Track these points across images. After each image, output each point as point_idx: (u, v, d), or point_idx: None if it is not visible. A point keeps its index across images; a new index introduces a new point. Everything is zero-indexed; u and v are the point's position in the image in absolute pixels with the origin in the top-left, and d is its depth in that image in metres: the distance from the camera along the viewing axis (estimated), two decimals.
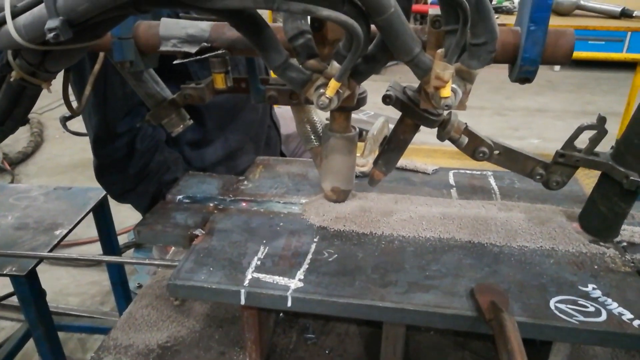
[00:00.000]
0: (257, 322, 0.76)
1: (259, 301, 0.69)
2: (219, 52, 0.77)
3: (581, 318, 0.62)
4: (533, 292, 0.67)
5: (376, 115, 0.81)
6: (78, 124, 1.10)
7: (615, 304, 0.65)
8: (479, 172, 1.03)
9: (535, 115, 4.70)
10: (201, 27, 0.76)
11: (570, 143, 0.79)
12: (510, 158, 0.83)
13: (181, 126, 0.91)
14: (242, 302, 0.69)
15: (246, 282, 0.69)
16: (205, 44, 0.76)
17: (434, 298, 0.66)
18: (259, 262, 0.74)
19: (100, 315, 2.19)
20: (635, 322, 0.62)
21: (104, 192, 1.65)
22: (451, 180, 1.00)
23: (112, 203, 1.62)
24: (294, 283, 0.69)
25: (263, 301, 0.69)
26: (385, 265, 0.73)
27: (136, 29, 0.78)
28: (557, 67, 6.35)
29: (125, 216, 2.92)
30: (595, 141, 0.77)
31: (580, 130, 0.76)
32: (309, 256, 0.75)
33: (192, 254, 0.76)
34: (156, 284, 1.01)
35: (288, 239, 0.80)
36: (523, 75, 0.68)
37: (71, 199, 1.48)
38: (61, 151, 3.84)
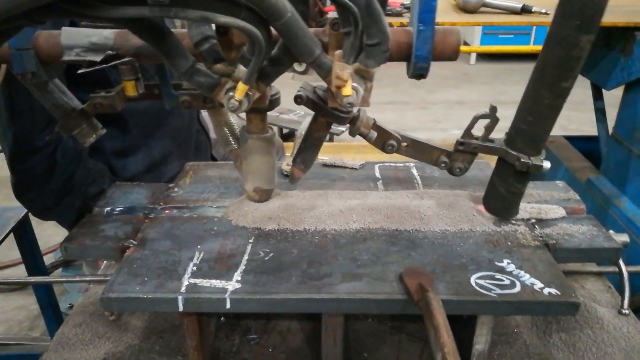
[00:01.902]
0: (198, 329, 0.76)
1: (197, 306, 0.69)
2: (125, 59, 0.76)
3: (499, 291, 0.68)
4: (455, 272, 0.72)
5: (306, 115, 0.84)
6: None
7: (527, 275, 0.71)
8: (402, 164, 1.09)
9: (455, 107, 4.96)
10: (105, 35, 0.75)
11: (468, 132, 0.85)
12: (417, 149, 0.89)
13: (93, 136, 0.88)
14: (180, 308, 0.69)
15: (183, 289, 0.69)
16: (110, 52, 0.75)
17: (366, 286, 0.70)
18: (194, 268, 0.74)
19: (29, 342, 2.07)
20: (545, 290, 0.68)
21: (25, 211, 1.56)
22: (377, 174, 1.05)
23: (35, 221, 1.53)
24: (232, 285, 0.70)
25: (202, 306, 0.69)
26: (320, 259, 0.76)
27: (36, 39, 0.75)
28: (472, 61, 6.73)
29: (50, 234, 2.77)
30: (489, 129, 0.83)
31: (475, 120, 0.83)
32: (245, 257, 0.76)
33: (124, 266, 0.75)
34: (88, 302, 0.98)
35: (223, 242, 0.81)
36: (418, 72, 0.73)
37: None
38: None
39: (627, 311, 0.90)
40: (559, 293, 0.68)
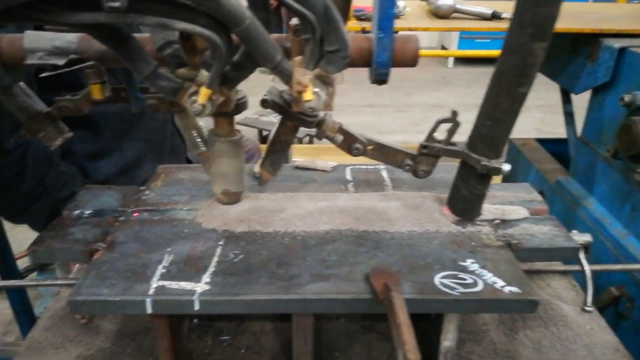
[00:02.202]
0: (168, 331, 0.77)
1: (166, 308, 0.70)
2: (89, 63, 0.76)
3: (461, 289, 0.70)
4: (420, 271, 0.74)
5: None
6: None
7: (490, 274, 0.73)
8: (372, 167, 1.10)
9: (434, 110, 5.03)
10: (68, 38, 0.75)
11: (430, 136, 0.87)
12: (382, 152, 0.91)
13: (59, 139, 0.87)
14: (149, 310, 0.69)
15: (151, 291, 0.70)
16: (74, 55, 0.75)
17: (334, 286, 0.71)
18: (164, 270, 0.74)
19: (2, 347, 2.04)
20: (506, 289, 0.70)
21: None
22: (348, 176, 1.06)
23: (9, 225, 1.51)
24: (200, 287, 0.70)
25: (170, 308, 0.70)
26: (289, 260, 0.77)
27: None
28: (450, 64, 6.83)
29: (24, 238, 2.71)
30: (451, 132, 0.86)
31: (437, 124, 0.85)
32: (215, 259, 0.77)
33: (92, 269, 0.75)
34: (59, 306, 0.97)
35: (193, 244, 0.81)
36: (378, 77, 0.75)
37: None
38: None
39: (590, 308, 0.93)
40: (519, 291, 0.70)
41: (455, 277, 0.72)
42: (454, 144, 0.86)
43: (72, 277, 1.05)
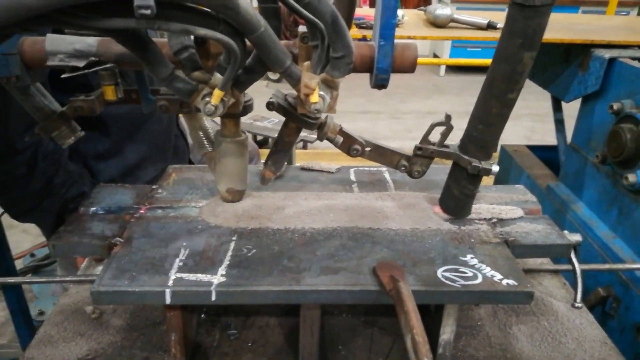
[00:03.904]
0: (181, 322, 0.80)
1: (184, 298, 0.73)
2: (108, 65, 0.80)
3: (462, 282, 0.74)
4: (424, 266, 0.78)
5: (280, 123, 0.90)
6: None
7: (488, 269, 0.78)
8: (375, 169, 1.15)
9: (426, 117, 5.09)
10: (88, 42, 0.78)
11: (425, 138, 0.93)
12: (379, 153, 0.96)
13: (72, 138, 0.90)
14: (168, 301, 0.72)
15: (170, 282, 0.73)
16: (93, 58, 0.79)
17: (342, 278, 0.75)
18: (180, 263, 0.78)
19: None
20: (504, 282, 0.75)
21: None
22: (352, 177, 1.11)
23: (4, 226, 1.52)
24: (217, 278, 0.74)
25: (188, 298, 0.73)
26: (299, 254, 0.81)
27: (21, 45, 0.78)
28: (442, 72, 6.92)
29: (18, 240, 2.72)
30: (444, 135, 0.91)
31: (432, 127, 0.90)
32: (229, 253, 0.80)
33: (113, 262, 0.78)
34: (69, 301, 1.00)
35: (207, 240, 0.84)
36: (379, 82, 0.81)
37: None
38: None
39: (579, 304, 0.98)
40: (516, 284, 0.74)
41: (456, 270, 0.77)
42: (447, 147, 0.91)
43: (80, 274, 1.07)
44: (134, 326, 0.94)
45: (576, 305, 0.97)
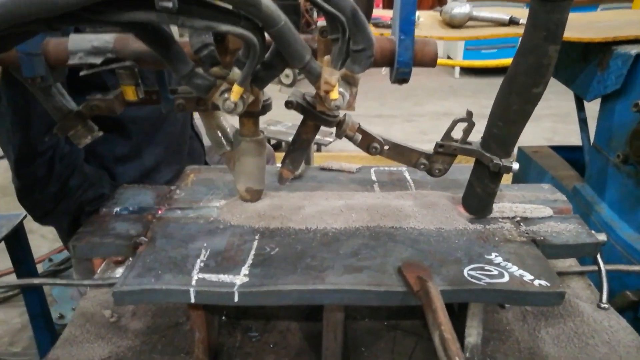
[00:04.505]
0: (204, 322, 0.80)
1: (207, 299, 0.73)
2: (126, 63, 0.80)
3: (488, 280, 0.73)
4: (450, 265, 0.77)
5: (294, 126, 0.90)
6: None
7: (515, 267, 0.76)
8: (395, 169, 1.14)
9: (441, 119, 5.05)
10: (105, 39, 0.79)
11: (447, 135, 0.91)
12: (398, 151, 0.95)
13: (89, 137, 0.90)
14: (192, 300, 0.72)
15: (193, 282, 0.73)
16: (110, 55, 0.79)
17: (367, 277, 0.74)
18: (202, 264, 0.77)
19: (9, 357, 2.02)
20: (536, 282, 0.73)
21: (18, 219, 1.57)
22: (373, 177, 1.10)
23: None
24: (240, 279, 0.73)
25: (211, 298, 0.73)
26: (322, 253, 0.80)
27: (46, 45, 0.79)
28: (456, 74, 6.88)
29: (36, 245, 2.75)
30: (467, 132, 0.89)
31: (454, 123, 0.89)
32: (252, 252, 0.80)
33: (139, 260, 0.78)
34: (89, 304, 1.00)
35: (230, 239, 0.84)
36: (400, 76, 0.80)
37: None
38: None
39: (606, 305, 0.95)
40: (548, 284, 0.73)
41: (481, 269, 0.76)
42: (469, 143, 0.90)
43: (96, 277, 1.07)
44: (154, 329, 0.94)
45: (602, 305, 0.95)
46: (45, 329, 1.75)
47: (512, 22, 1.78)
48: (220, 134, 0.96)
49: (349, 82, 0.75)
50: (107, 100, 0.86)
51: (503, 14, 1.81)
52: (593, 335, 0.90)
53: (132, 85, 0.85)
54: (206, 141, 1.69)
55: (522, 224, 0.91)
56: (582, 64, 1.66)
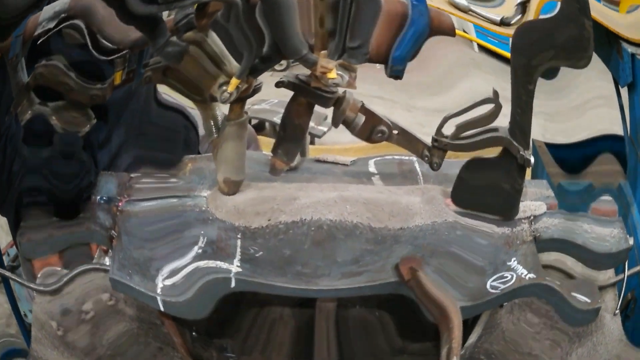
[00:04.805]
0: (177, 331, 0.82)
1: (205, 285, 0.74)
2: (76, 21, 0.82)
3: (502, 286, 0.71)
4: (472, 277, 0.73)
5: (281, 103, 0.85)
6: None
7: (520, 267, 0.74)
8: (407, 158, 0.99)
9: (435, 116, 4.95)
10: (64, 1, 0.81)
11: (438, 131, 0.81)
12: (407, 139, 0.84)
13: (87, 126, 0.94)
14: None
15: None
16: (64, 14, 0.81)
17: (364, 278, 0.72)
18: (200, 251, 0.78)
19: (7, 338, 1.98)
20: (528, 276, 0.72)
21: None
22: (372, 169, 0.99)
23: None
24: (234, 267, 0.75)
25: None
26: (316, 261, 0.76)
27: (26, 24, 0.80)
28: (476, 48, 6.80)
29: None
30: (493, 115, 0.77)
31: (478, 103, 0.77)
32: (238, 250, 0.78)
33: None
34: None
35: (218, 232, 0.80)
36: (394, 74, 0.78)
37: None
38: None
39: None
40: (534, 277, 0.73)
41: (502, 277, 0.73)
42: (495, 129, 0.78)
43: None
44: (142, 319, 0.90)
45: (617, 312, 0.91)
46: (21, 322, 1.69)
47: (503, 22, 1.75)
48: (212, 123, 0.92)
49: (347, 68, 0.75)
50: (104, 88, 0.91)
51: (495, 14, 1.78)
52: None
53: (121, 70, 0.91)
54: (200, 131, 1.64)
55: (532, 222, 0.83)
56: (609, 47, 1.58)
